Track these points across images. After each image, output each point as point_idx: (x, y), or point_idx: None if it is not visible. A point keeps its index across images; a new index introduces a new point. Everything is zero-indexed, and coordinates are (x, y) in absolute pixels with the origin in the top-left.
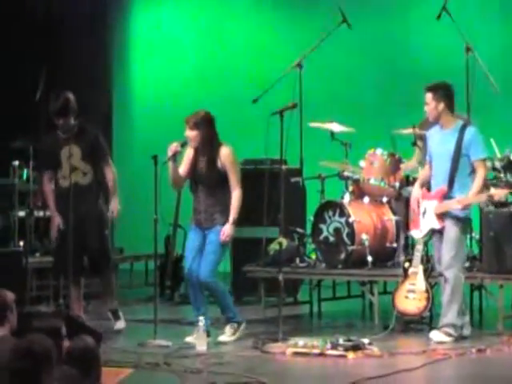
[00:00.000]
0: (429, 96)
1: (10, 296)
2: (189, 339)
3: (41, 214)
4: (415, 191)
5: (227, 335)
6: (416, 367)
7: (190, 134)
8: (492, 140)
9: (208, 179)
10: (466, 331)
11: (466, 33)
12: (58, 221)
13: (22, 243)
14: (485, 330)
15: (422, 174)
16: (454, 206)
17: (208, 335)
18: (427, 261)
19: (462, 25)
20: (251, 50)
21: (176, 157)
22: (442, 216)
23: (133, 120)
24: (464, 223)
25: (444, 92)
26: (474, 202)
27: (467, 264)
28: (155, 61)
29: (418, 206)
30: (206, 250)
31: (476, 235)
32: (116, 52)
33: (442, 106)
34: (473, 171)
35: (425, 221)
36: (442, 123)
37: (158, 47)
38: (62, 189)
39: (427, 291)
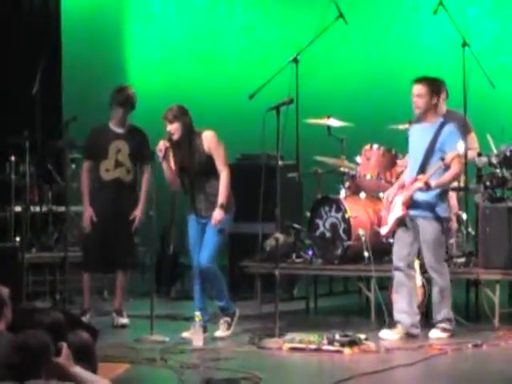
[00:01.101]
0: (423, 89)
1: (5, 291)
2: (185, 334)
3: (37, 209)
4: (391, 190)
5: (222, 330)
6: (412, 363)
7: (172, 127)
8: (488, 135)
9: (199, 167)
10: (416, 331)
11: (462, 28)
12: (90, 212)
13: (18, 239)
14: (481, 326)
15: (403, 173)
16: (416, 185)
17: (205, 331)
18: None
19: (458, 20)
20: (247, 45)
21: (168, 154)
22: (407, 203)
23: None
24: (439, 223)
25: (438, 87)
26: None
27: (463, 260)
28: (150, 56)
29: (390, 204)
30: (205, 238)
31: (472, 231)
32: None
33: (435, 100)
34: (447, 169)
35: (392, 213)
36: (426, 118)
37: (153, 45)
38: (104, 181)
39: (423, 287)
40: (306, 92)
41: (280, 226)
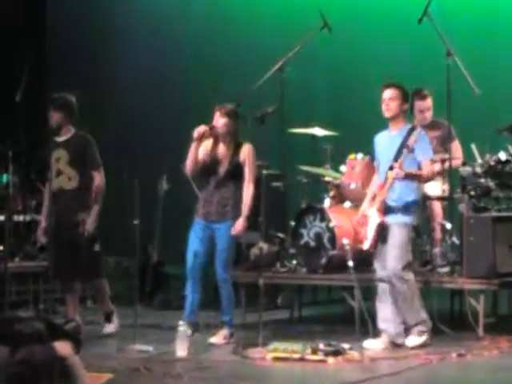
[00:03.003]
0: (396, 92)
1: None
2: (213, 340)
3: (20, 218)
4: (363, 206)
5: (219, 338)
6: (396, 372)
7: (221, 120)
8: (473, 145)
9: (224, 170)
10: (400, 340)
11: (447, 37)
12: (42, 225)
13: (1, 248)
14: (465, 335)
15: (371, 185)
16: (394, 172)
17: (196, 329)
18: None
19: (443, 29)
20: (235, 52)
21: (202, 139)
22: (382, 209)
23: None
24: (407, 230)
25: (407, 94)
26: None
27: (447, 269)
28: (139, 62)
29: (365, 221)
30: (218, 248)
31: (457, 240)
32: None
33: (405, 106)
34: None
35: (370, 226)
36: (394, 125)
37: (141, 45)
38: (52, 192)
39: None
40: (291, 101)
41: (264, 235)
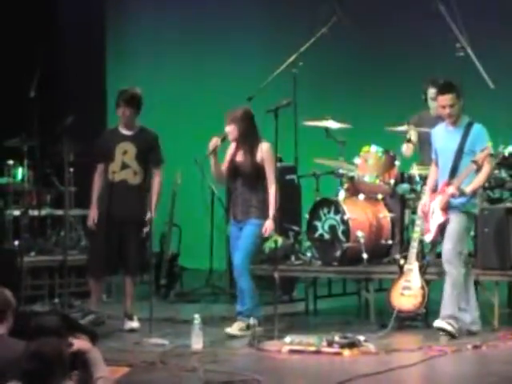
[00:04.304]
0: (452, 97)
1: (9, 294)
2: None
3: (35, 213)
4: (424, 197)
5: (234, 329)
6: (411, 364)
7: (228, 128)
8: (488, 137)
9: (245, 172)
10: (476, 327)
11: (459, 30)
12: (94, 214)
13: (16, 242)
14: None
15: (430, 177)
16: (450, 191)
17: (248, 327)
18: (422, 257)
19: (455, 22)
20: (246, 47)
21: (216, 151)
22: (445, 208)
23: None
24: (467, 217)
25: (460, 89)
26: (469, 182)
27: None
28: (149, 59)
29: (428, 212)
30: (241, 243)
31: (471, 232)
32: (111, 52)
33: (462, 103)
34: (478, 169)
35: (432, 220)
36: (452, 121)
37: (149, 44)
38: (111, 183)
39: (422, 288)
40: (305, 94)
41: (279, 228)
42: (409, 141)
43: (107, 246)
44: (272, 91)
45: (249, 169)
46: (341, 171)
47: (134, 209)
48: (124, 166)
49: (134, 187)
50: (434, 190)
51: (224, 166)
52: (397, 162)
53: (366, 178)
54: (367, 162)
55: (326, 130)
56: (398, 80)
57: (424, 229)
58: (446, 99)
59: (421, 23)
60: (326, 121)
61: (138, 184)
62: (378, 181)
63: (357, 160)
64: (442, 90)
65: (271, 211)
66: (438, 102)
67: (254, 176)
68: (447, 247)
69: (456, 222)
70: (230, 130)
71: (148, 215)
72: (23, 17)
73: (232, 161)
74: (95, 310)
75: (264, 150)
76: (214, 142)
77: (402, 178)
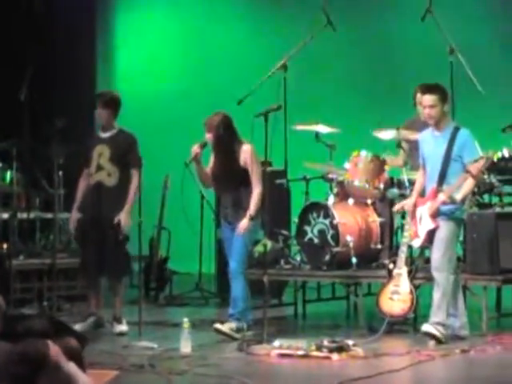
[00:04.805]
0: (434, 98)
1: (0, 298)
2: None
3: (24, 216)
4: (410, 201)
5: (224, 327)
6: (400, 368)
7: (207, 135)
8: (475, 142)
9: (229, 177)
10: (464, 332)
11: (449, 34)
12: (74, 217)
13: (5, 245)
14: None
15: (417, 181)
16: (441, 198)
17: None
18: (411, 262)
19: (445, 26)
20: (236, 51)
21: (198, 158)
22: (435, 215)
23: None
24: (455, 224)
25: (446, 94)
26: (459, 190)
27: None
28: (140, 62)
29: (415, 216)
30: (234, 245)
31: (460, 237)
32: (101, 54)
33: (446, 107)
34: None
35: (421, 226)
36: (438, 126)
37: (142, 48)
38: (89, 186)
39: (411, 293)
40: (294, 98)
41: (268, 232)
42: (399, 145)
43: (93, 249)
44: (262, 95)
45: (231, 174)
46: (330, 175)
47: (110, 210)
48: (99, 168)
49: (109, 189)
50: (422, 195)
51: (209, 170)
52: (387, 158)
53: (356, 183)
54: (357, 167)
55: (316, 134)
56: (388, 85)
57: (412, 233)
58: (428, 99)
59: (412, 28)
60: (316, 125)
61: (113, 186)
62: (367, 185)
63: (347, 165)
64: (425, 91)
65: (250, 211)
66: (422, 103)
67: (239, 180)
68: (436, 255)
69: (445, 229)
70: (208, 137)
71: (118, 216)
72: (14, 19)
73: (214, 167)
74: (94, 312)
75: (246, 152)
76: (195, 149)
77: (392, 183)
